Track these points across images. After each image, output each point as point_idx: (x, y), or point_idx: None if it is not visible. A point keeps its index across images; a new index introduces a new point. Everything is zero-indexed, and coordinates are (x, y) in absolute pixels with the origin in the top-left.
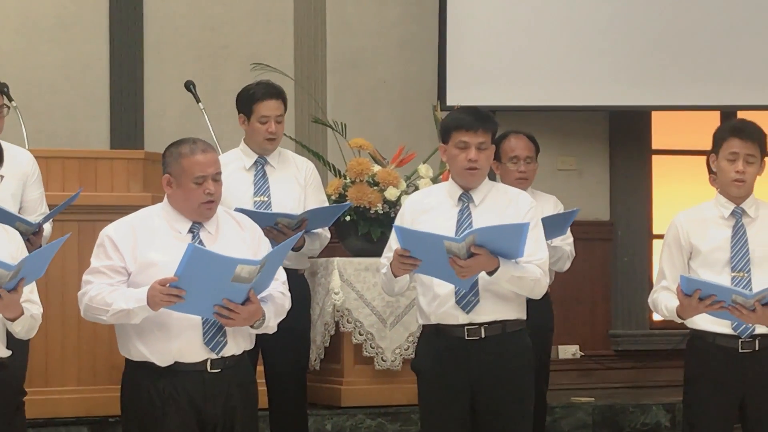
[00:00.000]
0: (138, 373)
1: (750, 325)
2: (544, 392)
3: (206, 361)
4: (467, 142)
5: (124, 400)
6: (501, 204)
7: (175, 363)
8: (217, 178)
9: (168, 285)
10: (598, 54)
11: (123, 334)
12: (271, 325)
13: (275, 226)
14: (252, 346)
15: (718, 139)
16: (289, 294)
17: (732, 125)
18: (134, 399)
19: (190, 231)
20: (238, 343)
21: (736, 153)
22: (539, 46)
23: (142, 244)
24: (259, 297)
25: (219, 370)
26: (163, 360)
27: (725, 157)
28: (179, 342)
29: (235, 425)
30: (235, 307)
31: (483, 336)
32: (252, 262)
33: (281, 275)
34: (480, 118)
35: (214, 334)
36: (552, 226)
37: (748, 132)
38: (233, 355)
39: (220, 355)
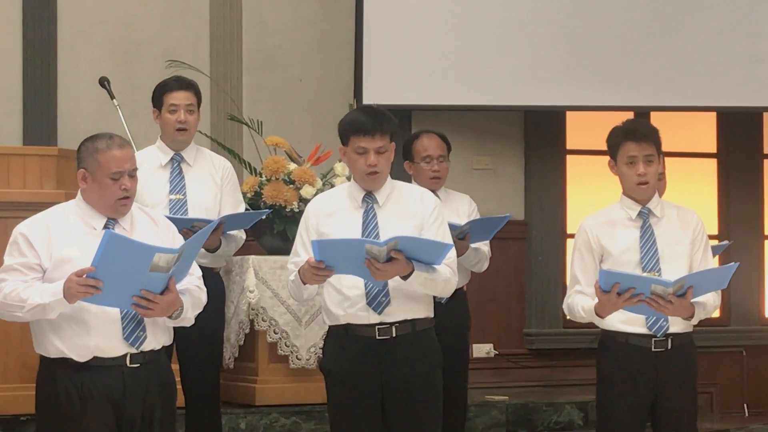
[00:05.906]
0: (54, 370)
1: (665, 323)
2: (464, 390)
3: (126, 355)
4: (365, 147)
5: (40, 397)
6: (405, 203)
7: (94, 358)
8: (132, 174)
9: (85, 276)
10: (513, 54)
11: (39, 331)
12: (188, 317)
13: (191, 229)
14: (171, 341)
15: (613, 144)
16: (204, 288)
17: (624, 129)
18: (51, 396)
19: (105, 227)
20: (157, 337)
21: (634, 156)
22: (455, 45)
23: (57, 241)
24: None
25: (138, 365)
26: (81, 355)
27: (624, 162)
28: (98, 337)
29: (153, 421)
30: (154, 297)
31: (394, 335)
32: (170, 250)
33: (196, 270)
34: (377, 121)
35: (133, 328)
36: (479, 230)
37: (642, 133)
38: (152, 350)
39: (140, 349)
